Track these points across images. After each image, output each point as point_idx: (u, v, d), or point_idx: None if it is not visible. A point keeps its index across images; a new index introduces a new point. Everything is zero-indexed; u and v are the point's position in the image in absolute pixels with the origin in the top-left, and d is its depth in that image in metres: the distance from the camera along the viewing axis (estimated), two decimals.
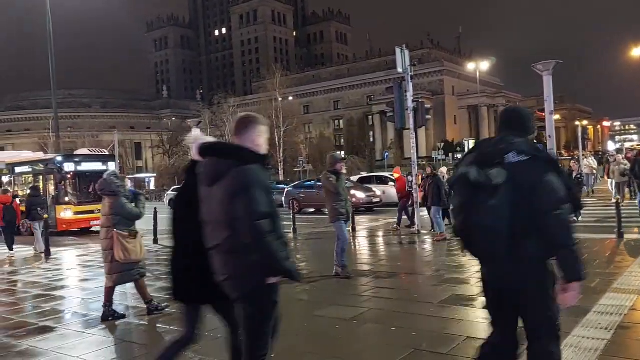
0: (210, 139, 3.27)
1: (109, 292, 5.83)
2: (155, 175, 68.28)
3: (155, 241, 13.11)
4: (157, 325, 5.51)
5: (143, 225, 17.08)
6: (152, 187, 59.58)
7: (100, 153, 18.97)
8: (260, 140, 2.89)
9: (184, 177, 3.33)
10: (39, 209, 12.85)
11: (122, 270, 5.71)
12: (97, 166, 17.50)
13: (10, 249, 12.47)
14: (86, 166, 17.17)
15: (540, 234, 2.45)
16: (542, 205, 2.45)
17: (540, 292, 2.57)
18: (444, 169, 14.26)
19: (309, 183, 23.90)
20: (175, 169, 68.02)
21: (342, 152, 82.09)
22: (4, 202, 12.45)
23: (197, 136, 3.30)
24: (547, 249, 2.48)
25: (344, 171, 8.09)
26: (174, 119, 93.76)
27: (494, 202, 2.46)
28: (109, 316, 5.76)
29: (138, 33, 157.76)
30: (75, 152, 18.84)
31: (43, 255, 11.77)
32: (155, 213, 13.79)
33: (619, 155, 18.07)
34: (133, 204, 5.88)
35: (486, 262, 2.70)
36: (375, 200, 21.13)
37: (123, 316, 5.85)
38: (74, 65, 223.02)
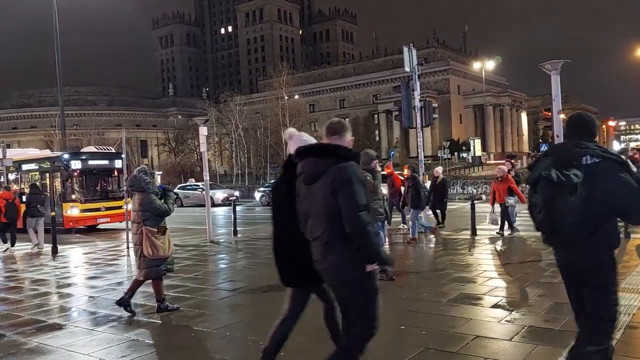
0: (307, 135, 3.64)
1: (135, 285, 5.96)
2: (161, 173, 68.33)
3: None
4: (165, 322, 5.52)
5: None
6: (158, 184, 59.65)
7: (107, 151, 19.03)
8: (351, 142, 3.25)
9: (281, 170, 3.68)
10: (38, 206, 12.89)
11: (150, 266, 5.81)
12: (103, 164, 17.59)
13: (13, 244, 12.53)
14: (93, 164, 17.25)
15: (611, 224, 2.95)
16: (624, 201, 2.86)
17: (604, 274, 3.01)
18: (439, 169, 13.99)
19: None
20: (181, 166, 68.20)
21: None
22: (7, 199, 12.53)
23: (292, 132, 3.67)
24: (614, 237, 3.01)
25: (379, 169, 7.74)
26: (179, 116, 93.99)
27: (573, 199, 2.86)
28: (125, 305, 5.87)
29: (144, 30, 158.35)
30: (82, 150, 18.92)
31: (41, 250, 12.12)
32: None
33: (622, 155, 17.97)
34: (162, 200, 5.91)
35: (564, 248, 3.10)
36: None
37: (133, 314, 5.88)
38: (80, 62, 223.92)
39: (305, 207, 3.15)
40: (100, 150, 18.68)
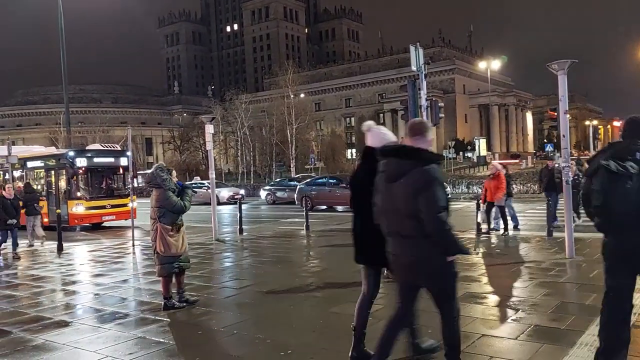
0: (384, 129, 3.93)
1: (163, 284, 5.99)
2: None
3: None
4: (172, 320, 5.54)
5: (141, 221, 17.11)
6: None
7: (113, 148, 19.08)
8: (431, 141, 3.47)
9: (360, 159, 3.98)
10: (35, 204, 13.27)
11: (163, 263, 5.86)
12: (109, 161, 17.64)
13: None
14: (98, 161, 17.30)
15: None
16: None
17: None
18: None
19: (321, 180, 23.90)
20: (186, 164, 68.33)
21: (354, 150, 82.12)
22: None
23: (370, 124, 3.93)
24: None
25: None
26: (185, 114, 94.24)
27: (629, 187, 3.23)
28: (170, 307, 5.91)
29: (149, 28, 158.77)
30: (88, 147, 18.99)
31: (41, 243, 12.77)
32: None
33: None
34: (179, 197, 5.94)
35: (619, 233, 3.39)
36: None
37: (190, 303, 6.01)
38: (86, 60, 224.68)
39: (383, 203, 3.45)
40: (106, 148, 18.73)
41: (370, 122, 3.99)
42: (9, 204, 11.31)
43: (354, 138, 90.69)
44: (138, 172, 60.06)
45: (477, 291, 6.38)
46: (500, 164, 12.77)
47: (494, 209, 11.62)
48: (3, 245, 11.43)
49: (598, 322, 4.69)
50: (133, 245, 11.91)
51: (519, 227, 11.89)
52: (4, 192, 11.44)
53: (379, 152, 3.55)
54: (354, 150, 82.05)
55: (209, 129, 12.39)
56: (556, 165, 12.70)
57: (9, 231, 11.35)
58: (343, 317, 5.41)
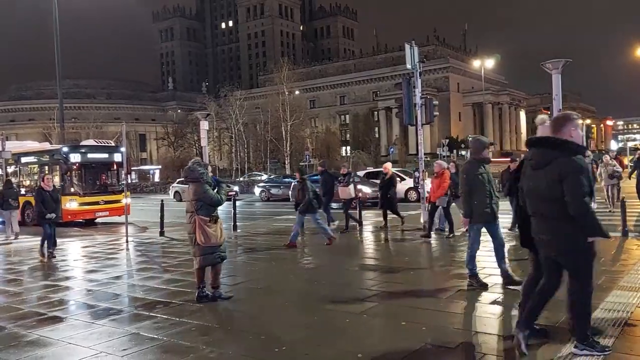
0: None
1: (199, 274, 6.11)
2: (159, 167, 68.42)
3: (162, 233, 13.13)
4: (166, 317, 5.54)
5: (149, 217, 17.04)
6: (156, 179, 59.69)
7: (107, 144, 18.99)
8: (574, 133, 3.79)
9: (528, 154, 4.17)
10: (10, 199, 13.46)
11: (204, 253, 6.01)
12: (103, 157, 17.56)
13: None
14: (92, 157, 17.21)
15: None
16: None
17: None
18: (388, 165, 13.36)
19: (315, 177, 23.86)
20: (180, 161, 68.09)
21: (348, 147, 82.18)
22: None
23: (544, 118, 4.31)
24: None
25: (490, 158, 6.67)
26: (179, 111, 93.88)
27: None
28: (202, 296, 6.06)
29: (144, 23, 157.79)
30: (82, 143, 18.89)
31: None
32: (162, 205, 13.83)
33: (607, 156, 16.27)
34: (215, 191, 6.11)
35: None
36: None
37: (228, 298, 6.12)
38: (80, 55, 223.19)
39: (528, 187, 3.93)
40: (100, 144, 18.64)
41: (544, 116, 4.39)
42: (48, 197, 10.35)
43: (348, 135, 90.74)
44: (132, 168, 59.78)
45: (471, 289, 6.41)
46: (453, 162, 12.19)
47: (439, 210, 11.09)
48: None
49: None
50: (127, 242, 11.87)
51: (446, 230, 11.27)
52: (42, 184, 10.59)
53: (526, 142, 4.08)
54: (348, 148, 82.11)
55: (204, 125, 12.37)
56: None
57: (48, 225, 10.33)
58: (337, 313, 5.44)
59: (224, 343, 4.67)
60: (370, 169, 30.89)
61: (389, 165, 13.46)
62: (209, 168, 6.40)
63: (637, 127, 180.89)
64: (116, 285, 7.40)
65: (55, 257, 10.13)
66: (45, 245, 10.17)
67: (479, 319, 5.10)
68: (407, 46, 12.09)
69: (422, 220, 12.61)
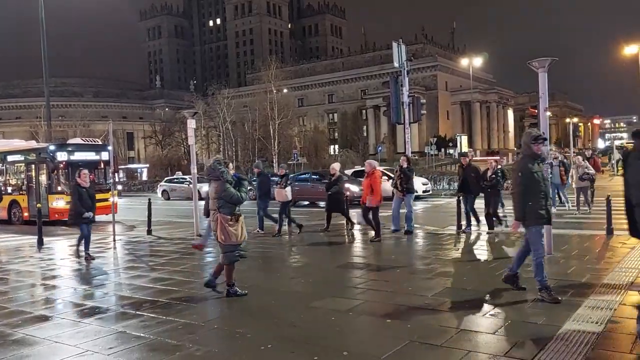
0: None
1: (226, 271, 6.20)
2: (147, 165, 67.89)
3: (150, 232, 13.07)
4: (153, 315, 5.52)
5: (137, 216, 16.92)
6: (144, 177, 59.22)
7: (93, 142, 18.83)
8: None
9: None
10: None
11: (225, 251, 6.11)
12: (90, 156, 17.41)
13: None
14: (79, 155, 17.06)
15: None
16: None
17: None
18: (336, 165, 12.72)
19: (303, 176, 24.01)
20: (167, 159, 67.68)
21: (336, 146, 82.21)
22: None
23: None
24: None
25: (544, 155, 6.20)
26: (167, 109, 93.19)
27: None
28: (212, 286, 6.25)
29: (131, 21, 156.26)
30: (68, 141, 18.70)
31: None
32: (149, 204, 13.75)
33: (579, 156, 15.53)
34: (236, 189, 6.15)
35: None
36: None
37: (245, 294, 6.16)
38: (67, 53, 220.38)
39: (630, 177, 4.23)
40: (87, 142, 18.48)
41: None
42: (84, 193, 9.46)
43: (336, 134, 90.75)
44: (119, 167, 59.17)
45: (456, 286, 6.48)
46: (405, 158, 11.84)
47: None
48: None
49: (574, 318, 4.85)
50: (114, 240, 11.80)
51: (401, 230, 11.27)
52: (78, 180, 9.59)
53: (632, 133, 4.35)
54: (336, 147, 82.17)
55: (191, 123, 12.31)
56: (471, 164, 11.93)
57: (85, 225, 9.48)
58: (323, 312, 5.46)
59: (210, 341, 4.68)
60: (358, 168, 30.92)
61: (336, 165, 12.60)
62: (230, 166, 6.43)
63: (624, 125, 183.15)
64: (103, 284, 7.36)
65: (94, 258, 9.42)
66: (82, 246, 9.58)
67: (465, 317, 5.15)
68: (394, 44, 12.16)
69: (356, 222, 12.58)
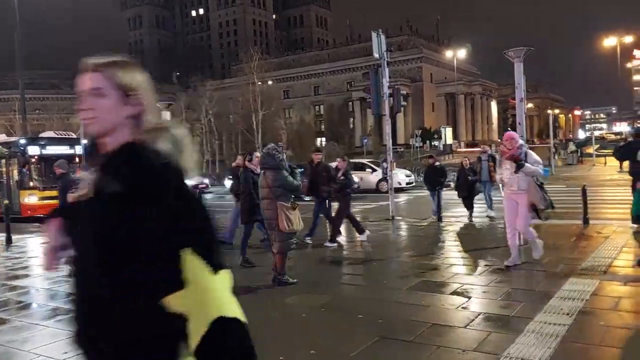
0: None
1: (280, 259, 6.21)
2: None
3: None
4: None
5: None
6: None
7: (67, 136, 18.41)
8: None
9: None
10: None
11: (284, 239, 6.12)
12: (63, 149, 17.00)
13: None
14: (52, 149, 16.65)
15: None
16: None
17: None
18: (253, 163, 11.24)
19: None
20: None
21: (323, 139, 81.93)
22: None
23: None
24: None
25: None
26: None
27: None
28: (284, 283, 6.16)
29: (111, 11, 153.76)
30: (41, 135, 18.26)
31: None
32: None
33: None
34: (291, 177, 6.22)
35: None
36: (353, 186, 21.09)
37: (295, 282, 6.17)
38: (44, 44, 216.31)
39: None
40: (60, 136, 18.07)
41: None
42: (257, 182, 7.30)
43: (323, 126, 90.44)
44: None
45: (432, 279, 6.38)
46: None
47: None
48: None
49: (545, 309, 4.78)
50: None
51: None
52: (247, 164, 7.63)
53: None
54: (323, 139, 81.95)
55: (166, 115, 12.04)
56: (437, 164, 12.74)
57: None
58: (296, 308, 5.32)
59: None
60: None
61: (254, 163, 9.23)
62: (285, 154, 6.40)
63: (604, 116, 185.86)
64: (68, 284, 7.11)
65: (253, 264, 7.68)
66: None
67: (438, 310, 5.05)
68: (374, 35, 11.98)
69: (390, 212, 12.61)
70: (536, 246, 6.70)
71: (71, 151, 17.08)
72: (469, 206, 11.73)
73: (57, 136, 17.99)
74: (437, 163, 12.94)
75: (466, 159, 12.77)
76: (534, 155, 6.47)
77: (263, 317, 5.09)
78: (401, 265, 7.31)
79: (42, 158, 16.24)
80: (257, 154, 7.69)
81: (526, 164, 6.25)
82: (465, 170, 11.93)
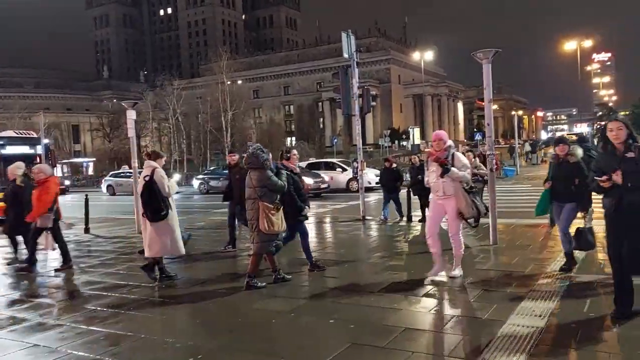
0: None
1: (255, 261, 6.12)
2: (93, 159, 65.20)
3: (87, 230, 12.34)
4: (74, 325, 5.03)
5: (75, 213, 16.04)
6: (90, 172, 56.79)
7: (28, 135, 17.67)
8: None
9: None
10: None
11: (263, 240, 6.01)
12: (22, 149, 16.29)
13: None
14: (10, 149, 15.93)
15: None
16: None
17: None
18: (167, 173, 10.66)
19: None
20: (114, 153, 65.18)
21: (293, 138, 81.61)
22: None
23: None
24: None
25: None
26: (115, 100, 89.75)
27: None
28: (251, 287, 6.03)
29: (76, 9, 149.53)
30: (0, 135, 17.47)
31: None
32: (87, 200, 12.99)
33: (469, 153, 12.23)
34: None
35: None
36: (323, 186, 21.12)
37: (264, 286, 6.06)
38: (7, 42, 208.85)
39: None
40: (19, 135, 17.32)
41: None
42: (297, 181, 6.89)
43: (293, 126, 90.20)
44: (64, 161, 56.24)
45: (404, 280, 6.30)
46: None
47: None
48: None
49: (518, 311, 4.75)
50: (46, 240, 10.98)
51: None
52: (285, 162, 6.96)
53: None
54: (293, 139, 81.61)
55: (131, 114, 11.65)
56: (394, 166, 12.34)
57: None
58: (265, 314, 5.14)
59: (135, 354, 4.25)
60: (313, 160, 30.86)
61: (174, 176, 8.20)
62: (270, 155, 6.21)
63: (565, 118, 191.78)
64: (26, 290, 6.75)
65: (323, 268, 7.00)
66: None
67: (410, 314, 4.96)
68: (343, 35, 11.89)
69: (361, 211, 12.54)
70: (458, 262, 6.19)
71: (32, 151, 16.40)
72: (424, 205, 11.18)
73: (16, 135, 17.23)
74: (394, 165, 12.55)
75: (416, 156, 12.63)
76: (462, 158, 5.97)
77: (230, 324, 4.90)
78: (373, 267, 7.21)
79: (1, 157, 15.53)
80: (295, 151, 7.29)
81: (452, 169, 5.78)
82: (416, 168, 11.59)
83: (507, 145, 47.23)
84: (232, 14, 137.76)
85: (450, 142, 6.05)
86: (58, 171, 47.90)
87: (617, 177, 4.18)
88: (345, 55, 12.10)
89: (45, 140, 19.66)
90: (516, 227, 9.97)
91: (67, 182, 39.63)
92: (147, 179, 6.37)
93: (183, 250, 6.83)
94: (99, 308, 5.57)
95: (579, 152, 6.40)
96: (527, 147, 44.94)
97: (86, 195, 13.31)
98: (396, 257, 7.89)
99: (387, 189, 12.31)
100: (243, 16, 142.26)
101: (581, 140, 8.79)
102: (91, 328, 4.86)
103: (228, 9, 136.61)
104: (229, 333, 4.65)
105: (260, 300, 5.63)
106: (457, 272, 6.14)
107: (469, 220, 6.12)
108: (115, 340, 4.52)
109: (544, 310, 4.74)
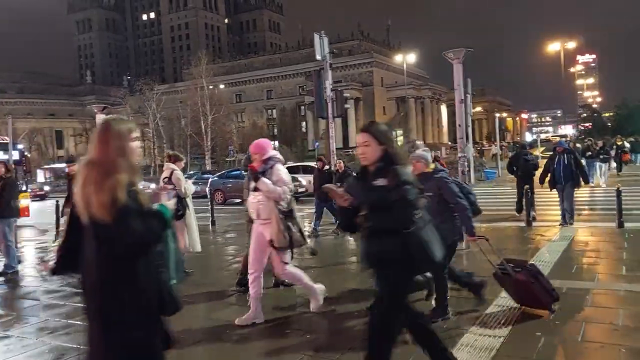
0: None
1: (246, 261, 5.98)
2: (75, 164, 64.24)
3: (58, 236, 12.03)
4: (21, 337, 4.79)
5: (52, 219, 15.68)
6: None
7: (1, 140, 17.25)
8: None
9: None
10: None
11: None
12: None
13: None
14: None
15: None
16: None
17: None
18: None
19: (235, 172, 23.38)
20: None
21: (276, 142, 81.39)
22: None
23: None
24: None
25: None
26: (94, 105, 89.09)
27: None
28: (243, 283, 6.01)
29: (59, 14, 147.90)
30: None
31: None
32: (57, 206, 12.68)
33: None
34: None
35: None
36: (301, 190, 20.94)
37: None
38: None
39: None
40: None
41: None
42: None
43: (275, 130, 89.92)
44: (45, 167, 55.20)
45: (366, 288, 6.12)
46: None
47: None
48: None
49: (481, 320, 4.61)
50: (15, 247, 10.66)
51: None
52: (318, 164, 8.00)
53: None
54: (276, 142, 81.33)
55: (101, 119, 11.37)
56: (326, 167, 10.87)
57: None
58: (219, 324, 4.91)
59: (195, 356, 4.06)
60: (291, 164, 30.65)
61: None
62: (236, 158, 6.06)
63: (549, 119, 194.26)
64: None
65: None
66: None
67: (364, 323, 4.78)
68: (316, 36, 11.77)
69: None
70: (314, 294, 5.18)
71: (5, 156, 16.01)
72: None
73: None
74: (326, 167, 10.92)
75: (340, 161, 10.95)
76: (281, 172, 4.86)
77: (176, 334, 4.70)
78: (338, 273, 7.05)
79: None
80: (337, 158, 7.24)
81: (262, 179, 4.74)
82: (340, 175, 10.23)
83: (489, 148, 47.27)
84: (215, 17, 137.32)
85: (273, 153, 4.98)
86: (39, 177, 47.16)
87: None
88: (318, 57, 11.98)
89: (20, 146, 19.26)
90: (492, 230, 9.87)
91: (46, 188, 38.97)
92: (165, 180, 6.71)
93: (199, 247, 7.25)
94: (51, 319, 5.32)
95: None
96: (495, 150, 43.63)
97: (57, 202, 12.99)
98: (356, 263, 7.71)
99: (318, 196, 10.35)
100: (226, 20, 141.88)
101: (522, 146, 9.00)
102: (40, 339, 4.64)
103: (211, 12, 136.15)
104: (175, 345, 4.45)
105: (216, 310, 5.45)
106: (314, 305, 5.20)
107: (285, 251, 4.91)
108: (61, 351, 4.30)
109: (509, 319, 4.66)
